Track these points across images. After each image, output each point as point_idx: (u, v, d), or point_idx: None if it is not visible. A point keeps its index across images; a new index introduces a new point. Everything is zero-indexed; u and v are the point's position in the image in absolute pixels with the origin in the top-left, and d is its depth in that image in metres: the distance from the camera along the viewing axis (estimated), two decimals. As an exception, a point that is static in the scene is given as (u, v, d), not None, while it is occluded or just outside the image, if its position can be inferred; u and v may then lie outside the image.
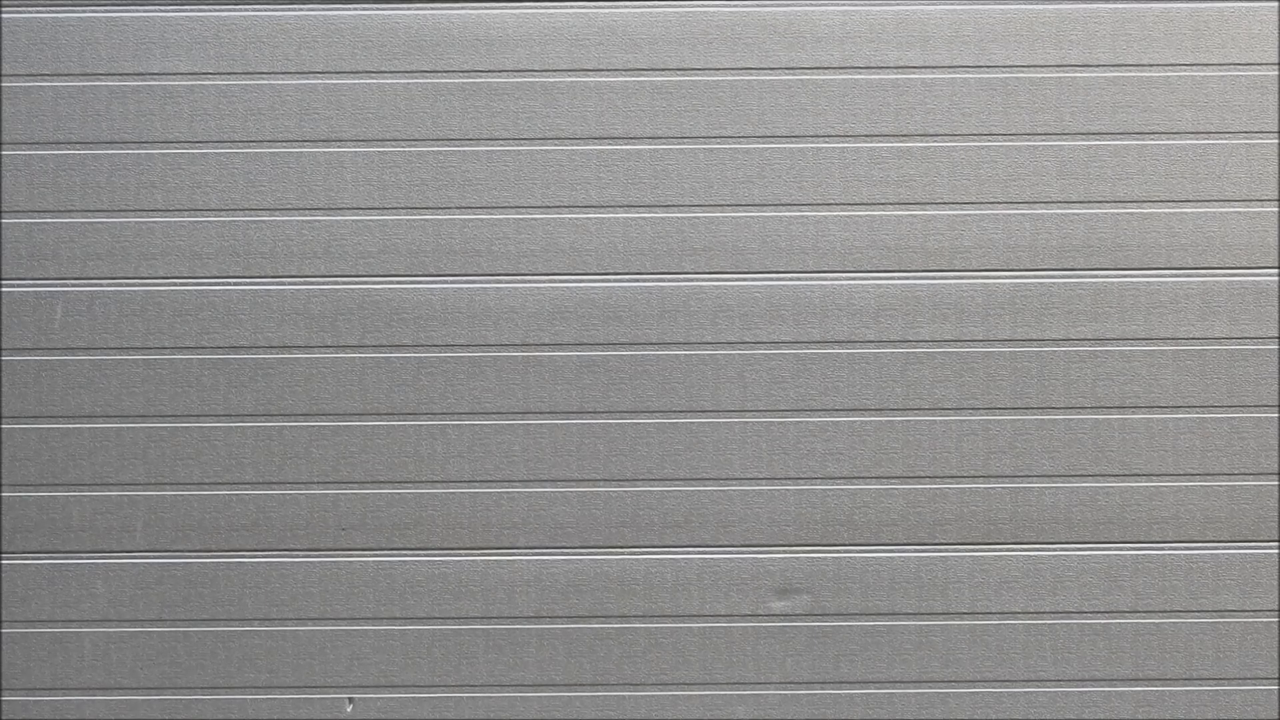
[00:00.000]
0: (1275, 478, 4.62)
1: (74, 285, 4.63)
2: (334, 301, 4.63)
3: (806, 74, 4.67)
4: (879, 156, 4.64)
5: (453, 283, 4.64)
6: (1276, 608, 4.64)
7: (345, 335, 4.63)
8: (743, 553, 4.65)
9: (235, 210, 4.64)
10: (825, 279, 4.63)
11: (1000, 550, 4.64)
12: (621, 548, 4.64)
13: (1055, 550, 4.64)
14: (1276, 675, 4.65)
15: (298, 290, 4.64)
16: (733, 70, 4.67)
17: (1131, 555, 4.64)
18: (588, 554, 4.64)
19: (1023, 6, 4.65)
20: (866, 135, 4.65)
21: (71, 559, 4.64)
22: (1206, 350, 4.62)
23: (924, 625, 4.65)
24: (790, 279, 4.63)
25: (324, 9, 4.66)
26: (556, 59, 4.66)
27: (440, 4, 4.68)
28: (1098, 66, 4.66)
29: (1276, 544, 4.63)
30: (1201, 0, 4.65)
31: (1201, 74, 4.66)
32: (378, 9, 4.67)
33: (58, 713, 4.66)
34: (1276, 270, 4.63)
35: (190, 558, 4.65)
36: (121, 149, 4.65)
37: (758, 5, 4.65)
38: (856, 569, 4.64)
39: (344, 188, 4.65)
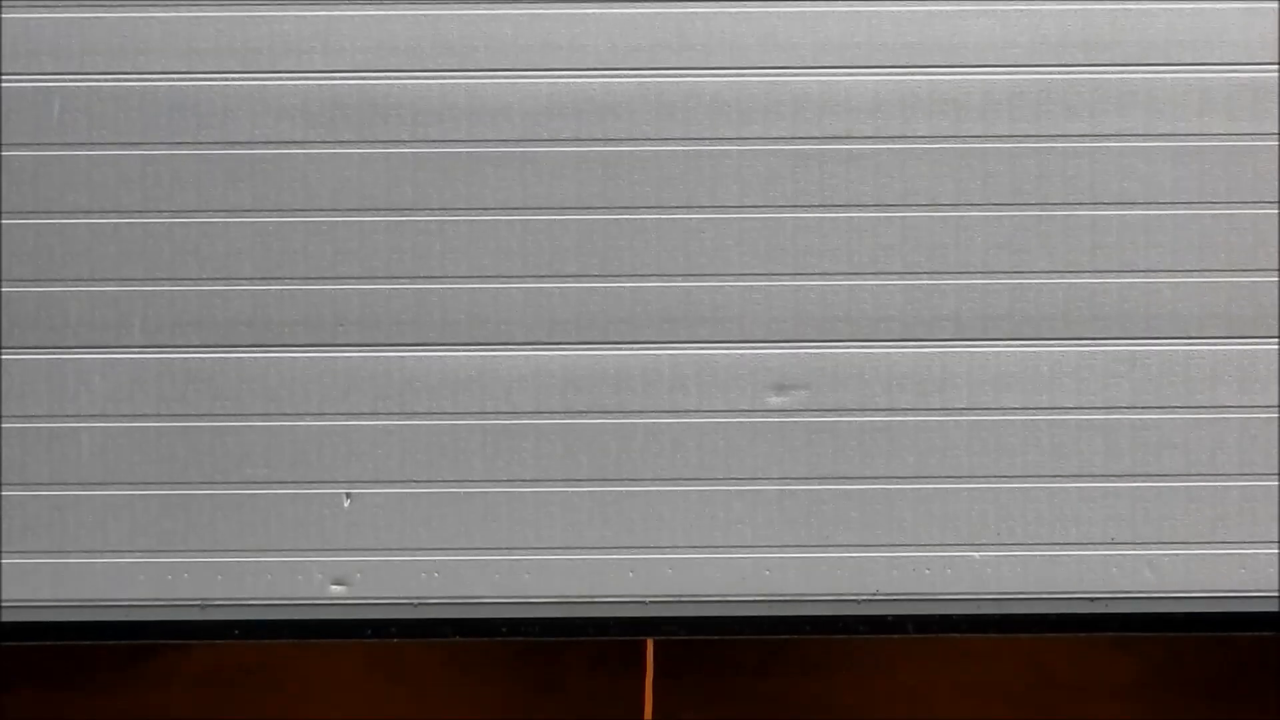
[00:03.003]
0: (1274, 273, 4.61)
1: (72, 81, 4.63)
2: (332, 97, 4.63)
3: (805, -125, 4.66)
4: (877, -48, 4.64)
5: (451, 78, 4.63)
6: (1275, 403, 4.63)
7: (343, 131, 4.63)
8: (740, 348, 4.64)
9: (233, 5, 4.64)
10: (823, 75, 4.62)
11: (998, 346, 4.64)
12: (619, 343, 4.64)
13: (1053, 346, 4.63)
14: (1275, 471, 4.64)
15: (295, 86, 4.63)
16: None
17: (1129, 351, 4.63)
18: (585, 350, 4.64)
19: None
20: (865, -68, 4.64)
21: (69, 354, 4.64)
22: (1205, 146, 4.62)
23: (921, 421, 4.65)
24: (788, 74, 4.62)
25: None
26: None
27: None
28: None
29: (1275, 339, 4.62)
30: None
31: (1200, -124, 4.65)
32: None
33: (55, 507, 4.66)
34: (1276, 66, 4.62)
35: (188, 353, 4.64)
36: (119, -56, 4.65)
37: None
38: (854, 365, 4.64)
39: (342, -16, 4.64)
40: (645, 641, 4.25)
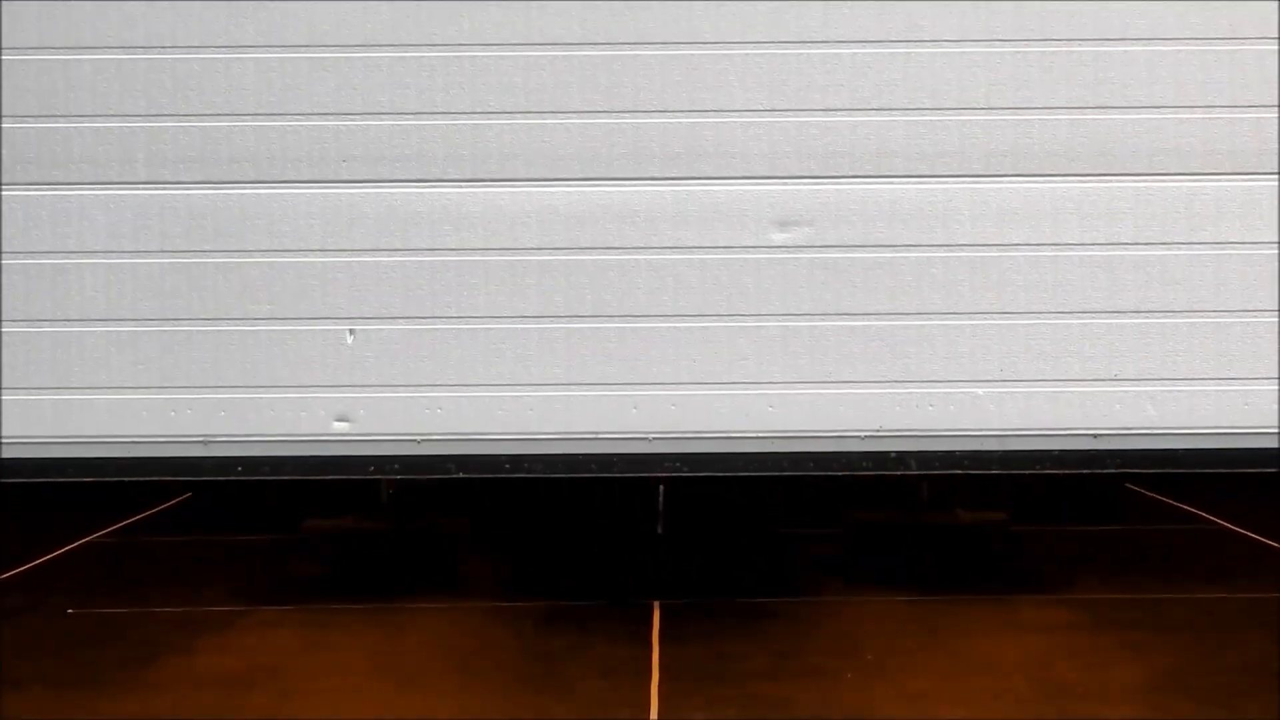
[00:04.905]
0: (1275, 109, 4.61)
1: (75, -84, 4.62)
2: (335, -67, 4.63)
3: None
4: None
5: (454, -86, 4.63)
6: (1276, 239, 4.63)
7: (346, -34, 4.63)
8: (743, 184, 4.64)
9: None
10: (827, -89, 4.62)
11: (1001, 182, 4.63)
12: (622, 179, 4.64)
13: (1056, 182, 4.63)
14: (1275, 307, 4.64)
15: (299, -78, 4.63)
16: None
17: (1133, 187, 4.63)
18: (589, 185, 4.64)
19: None
20: None
21: (73, 191, 4.63)
22: (1208, -18, 4.62)
23: (925, 257, 4.64)
24: (792, -89, 4.62)
25: None
26: None
27: None
28: None
29: (1276, 176, 4.62)
30: None
31: None
32: None
33: (59, 344, 4.65)
34: (1278, -98, 4.62)
35: (191, 189, 4.64)
36: None
37: None
38: (857, 200, 4.64)
39: None
40: (652, 649, 4.35)
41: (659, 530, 6.74)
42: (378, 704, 3.89)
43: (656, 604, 5.04)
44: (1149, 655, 4.30)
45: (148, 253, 4.64)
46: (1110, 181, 4.63)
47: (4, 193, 4.63)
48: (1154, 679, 4.04)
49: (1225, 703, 3.80)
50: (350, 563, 5.62)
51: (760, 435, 4.67)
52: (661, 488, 7.12)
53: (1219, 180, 4.62)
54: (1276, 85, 4.59)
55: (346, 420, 4.66)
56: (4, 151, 4.62)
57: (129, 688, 4.07)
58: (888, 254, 4.64)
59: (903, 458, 4.68)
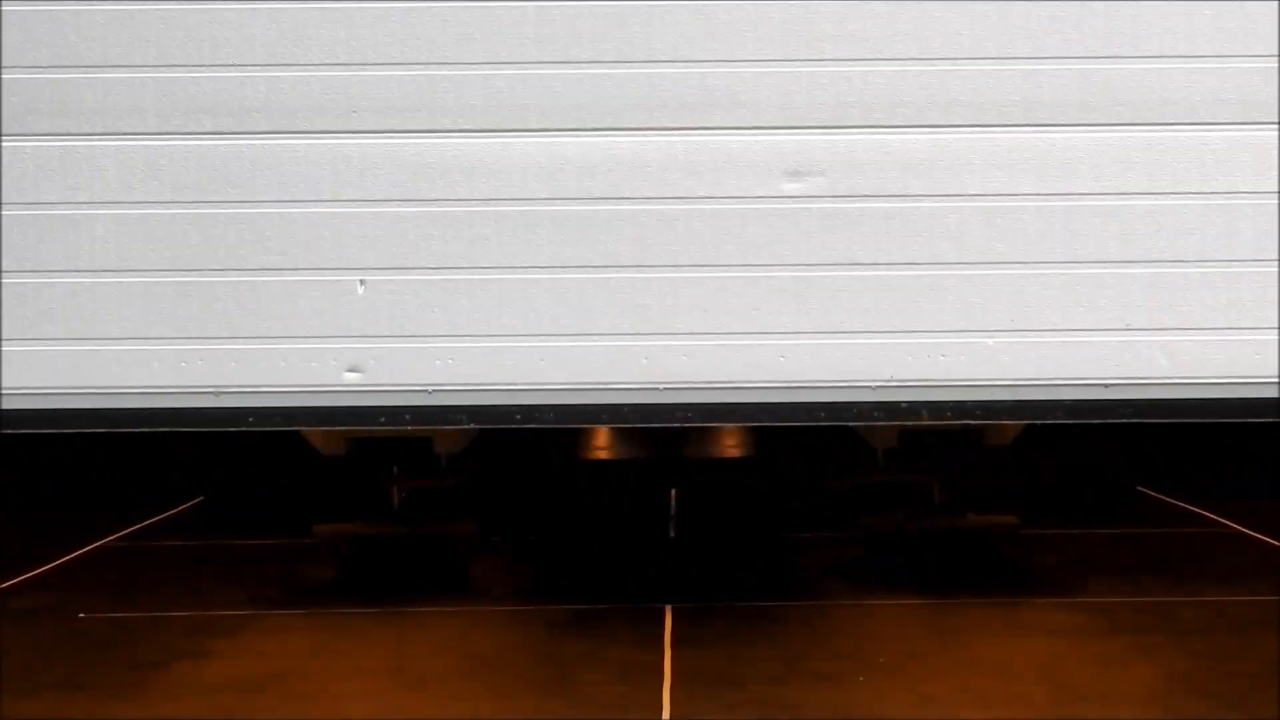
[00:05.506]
0: (1286, 58, 4.63)
1: None
2: (346, -117, 4.63)
3: None
4: None
5: None
6: (1287, 189, 4.65)
7: (357, -83, 4.63)
8: (756, 134, 4.63)
9: None
10: None
11: (1013, 132, 4.63)
12: (634, 129, 4.63)
13: (1068, 131, 4.63)
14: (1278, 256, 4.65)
15: (310, -128, 4.63)
16: None
17: (1144, 136, 4.63)
18: (601, 135, 4.63)
19: None
20: None
21: (83, 141, 4.62)
22: (1219, -69, 4.63)
23: (937, 207, 4.64)
24: None
25: None
26: None
27: None
28: None
29: (1285, 125, 4.64)
30: None
31: None
32: None
33: (71, 293, 4.63)
34: None
35: (202, 139, 4.63)
36: None
37: None
38: (869, 150, 4.63)
39: None
40: (664, 653, 4.37)
41: (670, 534, 6.76)
42: (390, 707, 3.91)
43: (668, 608, 5.06)
44: (1161, 657, 4.32)
45: (159, 203, 4.63)
46: (1122, 131, 4.63)
47: (15, 143, 4.62)
48: (1167, 681, 4.07)
49: (1238, 705, 3.82)
50: (361, 567, 5.63)
51: (772, 385, 4.66)
52: (673, 491, 7.15)
53: (1230, 130, 4.62)
54: (1284, 34, 4.61)
55: (358, 371, 4.66)
56: (16, 101, 4.61)
57: (140, 692, 4.08)
58: (900, 204, 4.64)
59: (914, 407, 4.68)
